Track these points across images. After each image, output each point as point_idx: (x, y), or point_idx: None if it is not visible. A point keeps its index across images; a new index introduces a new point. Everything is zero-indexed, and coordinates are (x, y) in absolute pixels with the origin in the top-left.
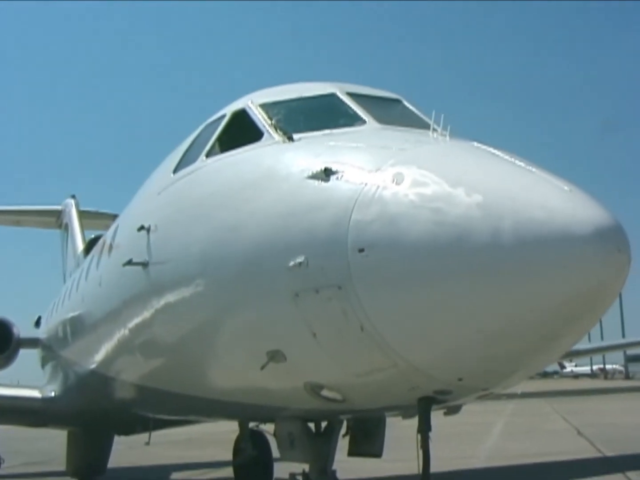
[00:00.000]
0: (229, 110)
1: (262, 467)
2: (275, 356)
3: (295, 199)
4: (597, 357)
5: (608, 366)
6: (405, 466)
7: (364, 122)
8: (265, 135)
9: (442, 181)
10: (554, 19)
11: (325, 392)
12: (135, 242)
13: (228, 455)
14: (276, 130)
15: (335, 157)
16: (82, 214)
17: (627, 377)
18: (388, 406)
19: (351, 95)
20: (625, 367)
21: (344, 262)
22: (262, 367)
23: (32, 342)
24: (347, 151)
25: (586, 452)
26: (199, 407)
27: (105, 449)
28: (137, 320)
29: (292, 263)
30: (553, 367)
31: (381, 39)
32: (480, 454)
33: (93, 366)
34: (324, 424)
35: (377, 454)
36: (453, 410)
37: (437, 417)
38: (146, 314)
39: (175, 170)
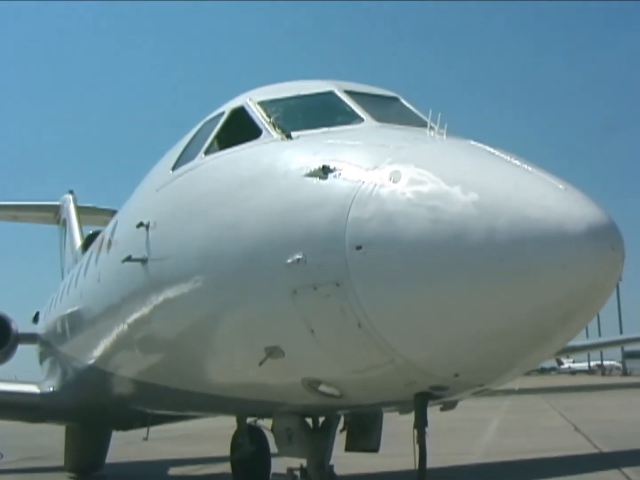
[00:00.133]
0: (227, 107)
1: (260, 463)
2: (273, 352)
3: (294, 197)
4: (595, 354)
5: (606, 362)
6: (402, 461)
7: (361, 120)
8: (264, 133)
9: (439, 179)
10: (553, 18)
11: (322, 388)
12: (134, 239)
13: (225, 451)
14: (274, 128)
15: (333, 155)
16: (80, 210)
17: (625, 373)
18: (385, 402)
19: (349, 93)
20: (623, 363)
21: (341, 259)
22: (261, 363)
23: (31, 338)
24: (345, 149)
25: (583, 448)
26: (197, 402)
27: (103, 444)
28: (136, 316)
29: (290, 260)
30: (550, 363)
31: (380, 38)
32: (476, 449)
33: (92, 362)
34: (321, 420)
35: (374, 449)
36: (449, 405)
37: (434, 413)
38: (145, 310)
39: (174, 167)
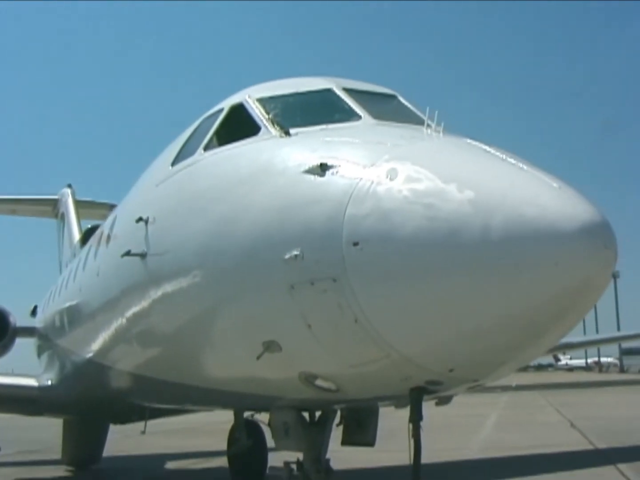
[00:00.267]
0: (226, 104)
1: (257, 457)
2: (270, 346)
3: (292, 193)
4: (592, 350)
5: (603, 359)
6: (398, 457)
7: (359, 117)
8: (263, 129)
9: (435, 177)
10: (553, 18)
11: (319, 382)
12: (134, 234)
13: (223, 445)
14: (273, 124)
15: (331, 152)
16: (78, 204)
17: (622, 370)
18: (381, 396)
19: (347, 90)
20: (620, 360)
21: (338, 255)
22: (258, 357)
23: (29, 331)
24: (343, 146)
25: (579, 444)
26: (195, 396)
27: (100, 438)
28: (134, 310)
29: (288, 255)
30: (548, 360)
31: (380, 36)
32: (473, 445)
33: (90, 355)
34: (318, 414)
35: (370, 443)
36: (444, 400)
37: (431, 409)
38: (144, 304)
39: (173, 163)
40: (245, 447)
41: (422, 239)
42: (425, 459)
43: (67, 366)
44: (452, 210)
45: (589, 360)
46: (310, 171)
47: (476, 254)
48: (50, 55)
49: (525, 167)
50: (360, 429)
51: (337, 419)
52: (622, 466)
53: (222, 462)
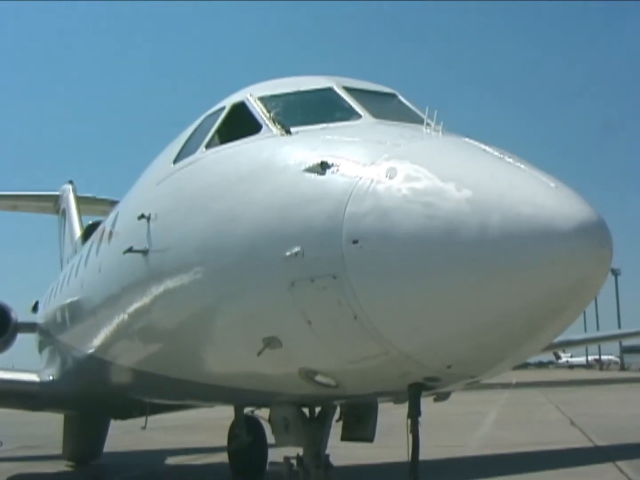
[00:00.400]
0: (228, 102)
1: (257, 453)
2: (271, 342)
3: (292, 191)
4: (593, 348)
5: (604, 357)
6: (397, 453)
7: (359, 116)
8: (264, 128)
9: (433, 176)
10: (553, 18)
11: (319, 378)
12: (136, 230)
13: (223, 441)
14: (274, 123)
15: (331, 151)
16: (79, 200)
17: (623, 368)
18: (380, 392)
19: (348, 89)
20: (621, 358)
21: (338, 253)
22: (259, 353)
23: (30, 327)
24: (343, 145)
25: (578, 441)
26: (196, 391)
27: (101, 434)
28: (136, 306)
29: (288, 253)
30: (548, 357)
31: (381, 36)
32: (472, 442)
33: (91, 351)
34: (318, 410)
35: (369, 438)
36: (442, 396)
37: (431, 406)
38: (145, 300)
39: (175, 161)
40: (246, 443)
41: (421, 237)
42: (424, 455)
43: (68, 362)
44: (451, 209)
45: (590, 358)
46: (311, 169)
47: (474, 252)
48: (51, 52)
49: (522, 167)
50: (360, 424)
51: (336, 415)
52: (621, 463)
53: (223, 457)
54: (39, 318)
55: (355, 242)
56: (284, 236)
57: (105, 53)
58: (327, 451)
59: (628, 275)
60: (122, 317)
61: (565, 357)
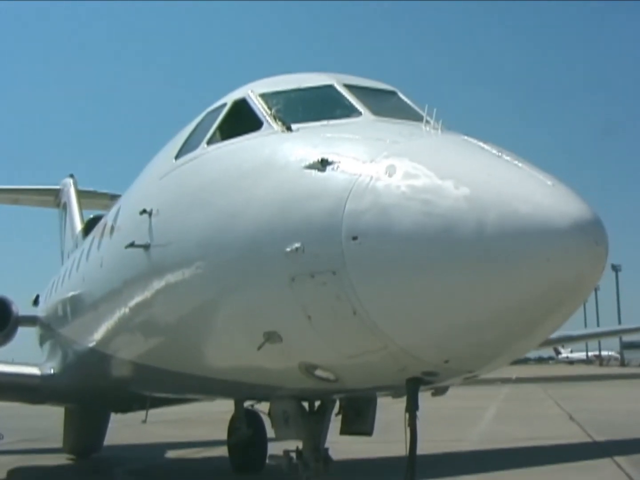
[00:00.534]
0: (229, 99)
1: (257, 446)
2: (271, 337)
3: (293, 188)
4: (593, 344)
5: (604, 353)
6: (395, 448)
7: (359, 113)
8: (265, 124)
9: (432, 174)
10: (553, 18)
11: (318, 372)
12: (138, 225)
13: (223, 435)
14: (275, 120)
15: (331, 148)
16: (80, 194)
17: (623, 364)
18: (378, 386)
19: (348, 87)
20: (621, 354)
21: (338, 249)
22: (259, 348)
23: (31, 320)
24: (343, 142)
25: (577, 437)
26: (197, 385)
27: (101, 427)
28: (137, 300)
29: (289, 249)
30: (548, 352)
31: (382, 35)
32: (471, 437)
33: (93, 344)
34: (317, 403)
35: (368, 432)
36: (440, 391)
37: (430, 400)
38: (147, 295)
39: (177, 157)
40: (246, 437)
41: (419, 233)
42: (422, 450)
43: (69, 355)
44: (448, 206)
45: (590, 354)
46: (311, 166)
47: (470, 249)
48: (51, 46)
49: (520, 165)
50: (359, 418)
51: (336, 409)
52: (620, 459)
53: (223, 451)
54: (40, 312)
55: (354, 238)
56: (285, 232)
57: (107, 46)
58: (326, 445)
59: (628, 272)
60: (124, 311)
61: (565, 353)
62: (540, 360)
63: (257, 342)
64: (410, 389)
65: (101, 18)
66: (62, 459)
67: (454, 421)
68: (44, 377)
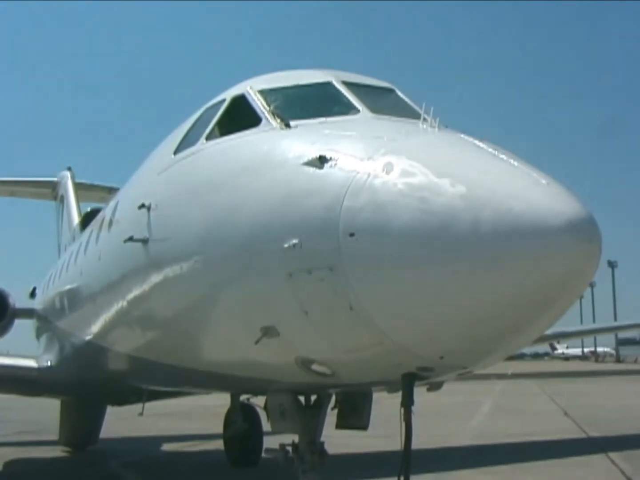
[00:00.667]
0: (228, 95)
1: (252, 440)
2: (268, 331)
3: (291, 185)
4: (589, 340)
5: (599, 349)
6: (390, 442)
7: (357, 111)
8: (264, 121)
9: (428, 172)
10: (553, 18)
11: (315, 367)
12: (136, 220)
13: (219, 428)
14: (274, 116)
15: (329, 145)
16: (77, 186)
17: (618, 360)
18: (374, 381)
19: (346, 84)
20: (617, 350)
21: (335, 245)
22: (256, 342)
23: (28, 313)
24: (341, 140)
25: (571, 432)
26: (194, 378)
27: (98, 420)
28: (135, 294)
29: (286, 245)
30: (544, 348)
31: (385, 35)
32: (466, 432)
33: (90, 337)
34: (313, 397)
35: (364, 426)
36: (435, 386)
37: (426, 395)
38: (145, 289)
39: (175, 152)
40: (241, 430)
41: (415, 230)
42: (417, 444)
43: (66, 348)
44: (444, 203)
45: (586, 350)
46: (310, 163)
47: (465, 247)
48: (49, 38)
49: (515, 163)
50: (354, 412)
51: (332, 403)
52: (613, 454)
53: (218, 444)
54: (37, 304)
55: (351, 235)
56: (282, 228)
57: (105, 39)
58: (322, 439)
59: (625, 268)
60: (121, 304)
61: (561, 349)
62: (536, 356)
63: (255, 337)
64: (406, 384)
65: (101, 10)
66: (57, 451)
67: (449, 416)
68: (40, 370)
